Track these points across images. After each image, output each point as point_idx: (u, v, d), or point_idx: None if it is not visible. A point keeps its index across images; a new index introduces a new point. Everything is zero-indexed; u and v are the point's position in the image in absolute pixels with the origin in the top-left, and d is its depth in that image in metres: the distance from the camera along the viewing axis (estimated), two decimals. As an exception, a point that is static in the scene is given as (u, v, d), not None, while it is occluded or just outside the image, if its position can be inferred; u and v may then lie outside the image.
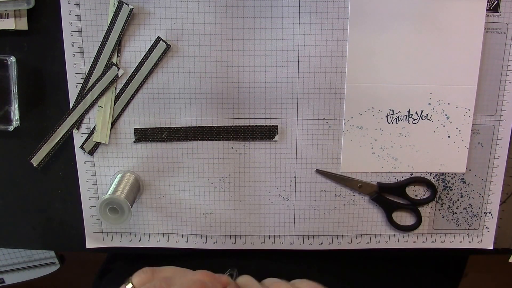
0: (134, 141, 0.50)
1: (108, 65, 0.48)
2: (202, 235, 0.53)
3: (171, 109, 0.49)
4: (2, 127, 0.49)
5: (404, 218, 0.53)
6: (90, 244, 0.54)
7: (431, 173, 0.51)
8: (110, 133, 0.50)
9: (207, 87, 0.48)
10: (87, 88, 0.48)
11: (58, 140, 0.50)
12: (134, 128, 0.49)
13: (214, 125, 0.49)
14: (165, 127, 0.49)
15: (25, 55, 0.48)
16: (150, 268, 0.37)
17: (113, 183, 0.48)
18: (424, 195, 0.52)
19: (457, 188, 0.52)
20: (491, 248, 0.54)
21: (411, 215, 0.52)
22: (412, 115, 0.49)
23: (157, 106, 0.49)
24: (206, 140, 0.50)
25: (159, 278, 0.36)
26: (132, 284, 0.36)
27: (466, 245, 0.53)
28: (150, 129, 0.50)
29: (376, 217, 0.52)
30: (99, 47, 0.47)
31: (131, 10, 0.46)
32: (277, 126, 0.49)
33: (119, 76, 0.48)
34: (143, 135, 0.50)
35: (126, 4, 0.46)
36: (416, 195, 0.52)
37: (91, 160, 0.51)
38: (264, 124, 0.49)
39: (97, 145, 0.50)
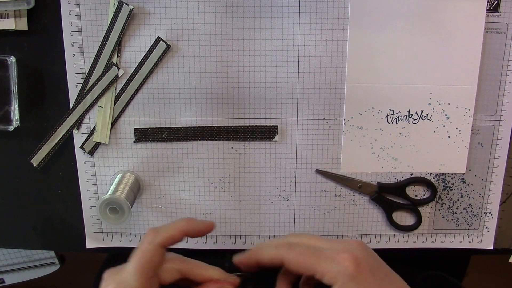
0: (134, 141, 0.50)
1: (108, 65, 0.48)
2: (202, 235, 0.53)
3: (171, 109, 0.49)
4: (2, 127, 0.49)
5: (404, 218, 0.53)
6: (90, 244, 0.54)
7: (431, 173, 0.51)
8: (110, 133, 0.50)
9: (207, 87, 0.48)
10: (87, 88, 0.48)
11: (58, 140, 0.50)
12: (134, 128, 0.49)
13: (214, 125, 0.49)
14: (165, 127, 0.49)
15: (25, 55, 0.48)
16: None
17: (113, 183, 0.48)
18: (424, 195, 0.52)
19: (457, 188, 0.52)
20: (491, 248, 0.54)
21: (411, 215, 0.52)
22: (412, 115, 0.49)
23: (157, 106, 0.49)
24: (206, 140, 0.50)
25: None
26: None
27: (466, 245, 0.53)
28: (150, 129, 0.50)
29: (376, 217, 0.52)
30: (99, 47, 0.47)
31: (131, 10, 0.46)
32: (277, 126, 0.49)
33: (119, 76, 0.48)
34: (143, 135, 0.50)
35: (126, 4, 0.46)
36: (416, 195, 0.52)
37: (91, 160, 0.51)
38: (264, 124, 0.49)
39: (97, 145, 0.50)
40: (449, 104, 0.49)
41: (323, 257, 0.35)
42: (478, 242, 0.53)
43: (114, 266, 0.65)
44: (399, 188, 0.51)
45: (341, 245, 0.36)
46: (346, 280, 0.34)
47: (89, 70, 0.48)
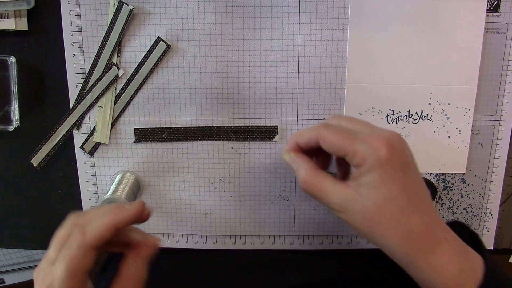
0: (134, 141, 0.50)
1: (108, 65, 0.48)
2: (202, 235, 0.53)
3: (171, 109, 0.49)
4: (2, 127, 0.49)
5: (404, 218, 0.52)
6: (90, 244, 0.54)
7: (431, 173, 0.51)
8: (110, 133, 0.50)
9: (207, 87, 0.48)
10: (87, 88, 0.48)
11: (58, 140, 0.50)
12: (134, 128, 0.50)
13: (214, 125, 0.49)
14: (165, 127, 0.49)
15: (25, 55, 0.48)
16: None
17: (113, 183, 0.48)
18: (424, 195, 0.52)
19: (457, 188, 0.52)
20: (491, 248, 0.54)
21: (411, 215, 0.52)
22: (412, 115, 0.49)
23: (157, 106, 0.49)
24: (206, 140, 0.50)
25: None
26: None
27: (466, 245, 0.53)
28: (150, 129, 0.50)
29: (376, 217, 0.52)
30: (99, 47, 0.47)
31: (131, 10, 0.46)
32: (277, 126, 0.49)
33: (119, 76, 0.48)
34: (143, 135, 0.50)
35: (126, 4, 0.46)
36: (416, 195, 0.52)
37: (91, 160, 0.51)
38: (264, 124, 0.49)
39: (97, 145, 0.50)
40: (449, 104, 0.49)
41: (358, 139, 0.35)
42: (478, 242, 0.53)
43: (114, 266, 0.65)
44: (399, 188, 0.51)
45: (381, 132, 0.36)
46: (375, 163, 0.34)
47: (89, 70, 0.48)
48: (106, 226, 0.33)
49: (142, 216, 0.36)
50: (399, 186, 0.34)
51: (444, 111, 0.49)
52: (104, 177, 0.51)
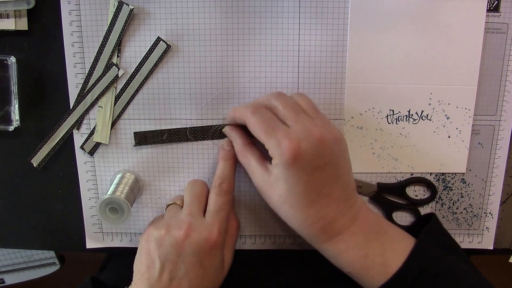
0: (135, 145, 0.50)
1: (108, 65, 0.48)
2: (202, 235, 0.53)
3: (171, 109, 0.49)
4: (2, 127, 0.49)
5: (404, 218, 0.53)
6: (90, 244, 0.54)
7: (431, 173, 0.51)
8: (110, 133, 0.50)
9: (207, 87, 0.48)
10: (87, 88, 0.48)
11: (58, 140, 0.50)
12: (134, 132, 0.49)
13: (214, 125, 0.49)
14: (165, 129, 0.49)
15: (25, 55, 0.48)
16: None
17: (113, 183, 0.48)
18: (424, 195, 0.52)
19: (457, 188, 0.52)
20: (491, 248, 0.54)
21: (411, 215, 0.52)
22: (412, 115, 0.49)
23: (157, 106, 0.49)
24: (206, 140, 0.50)
25: None
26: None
27: (466, 245, 0.53)
28: (150, 132, 0.50)
29: (376, 217, 0.52)
30: (99, 47, 0.47)
31: (131, 10, 0.46)
32: (277, 126, 0.49)
33: (119, 76, 0.48)
34: (143, 138, 0.50)
35: (126, 4, 0.46)
36: (416, 195, 0.52)
37: (91, 160, 0.51)
38: (264, 124, 0.49)
39: (97, 145, 0.50)
40: (449, 104, 0.49)
41: (273, 135, 0.39)
42: (478, 242, 0.53)
43: (113, 266, 0.65)
44: (399, 188, 0.51)
45: (299, 130, 0.39)
46: (280, 163, 0.38)
47: (89, 70, 0.48)
48: (232, 168, 0.46)
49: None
50: (300, 185, 0.39)
51: (444, 111, 0.49)
52: (104, 177, 0.51)
